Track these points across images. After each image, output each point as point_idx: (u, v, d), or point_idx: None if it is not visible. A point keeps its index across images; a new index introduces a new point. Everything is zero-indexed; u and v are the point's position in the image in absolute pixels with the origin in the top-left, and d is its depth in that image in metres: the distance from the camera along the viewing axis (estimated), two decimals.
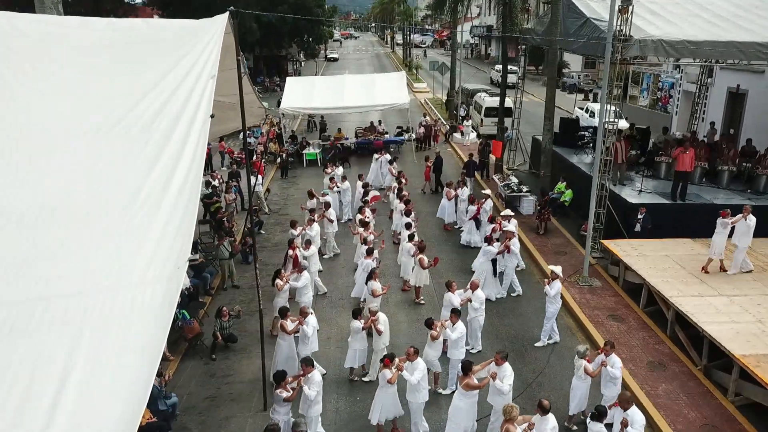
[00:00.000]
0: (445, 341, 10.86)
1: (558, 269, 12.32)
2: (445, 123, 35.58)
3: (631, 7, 14.44)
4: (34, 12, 13.36)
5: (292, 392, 9.07)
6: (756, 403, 10.02)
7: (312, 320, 11.20)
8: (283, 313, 11.09)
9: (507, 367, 9.36)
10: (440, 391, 11.00)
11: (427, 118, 31.67)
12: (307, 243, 14.34)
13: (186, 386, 11.42)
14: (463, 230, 18.05)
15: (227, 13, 8.53)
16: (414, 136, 29.16)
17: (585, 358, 9.65)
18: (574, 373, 9.87)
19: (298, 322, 10.94)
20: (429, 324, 10.51)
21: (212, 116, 7.18)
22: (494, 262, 14.11)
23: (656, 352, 11.87)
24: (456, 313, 10.68)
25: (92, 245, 5.86)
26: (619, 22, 14.61)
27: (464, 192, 18.65)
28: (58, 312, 5.29)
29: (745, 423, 9.78)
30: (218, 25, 8.40)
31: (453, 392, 9.94)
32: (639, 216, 15.54)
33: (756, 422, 9.82)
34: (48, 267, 5.67)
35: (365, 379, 11.39)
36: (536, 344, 12.47)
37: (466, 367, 9.16)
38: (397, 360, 9.41)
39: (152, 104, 7.27)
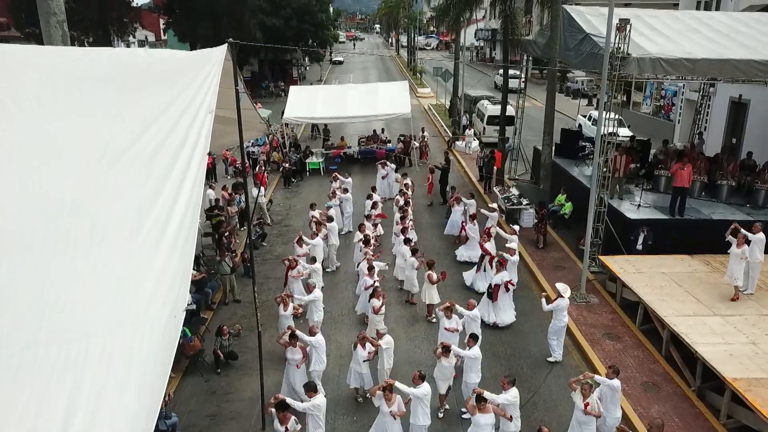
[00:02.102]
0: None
1: (563, 288, 12.43)
2: (447, 130, 35.72)
3: (628, 26, 14.54)
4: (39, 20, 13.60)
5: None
6: (747, 427, 10.12)
7: (320, 339, 11.38)
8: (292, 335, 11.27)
9: (513, 391, 9.49)
10: (440, 415, 11.13)
11: (425, 134, 30.11)
12: (312, 259, 14.56)
13: (187, 404, 11.63)
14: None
15: (225, 45, 8.71)
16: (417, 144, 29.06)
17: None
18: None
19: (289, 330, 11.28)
20: (446, 348, 10.67)
21: (210, 154, 7.35)
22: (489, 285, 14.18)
23: (651, 372, 11.99)
24: (473, 338, 10.87)
25: (91, 285, 6.03)
26: (617, 40, 14.73)
27: (472, 205, 18.78)
28: (60, 355, 5.46)
29: None
30: (216, 57, 8.57)
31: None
32: (641, 234, 15.63)
33: None
34: (48, 307, 5.82)
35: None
36: (548, 359, 12.66)
37: (479, 400, 9.18)
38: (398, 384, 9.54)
39: (152, 140, 7.42)
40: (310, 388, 9.47)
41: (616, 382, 9.53)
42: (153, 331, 5.70)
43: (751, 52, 15.37)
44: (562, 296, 12.33)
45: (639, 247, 15.70)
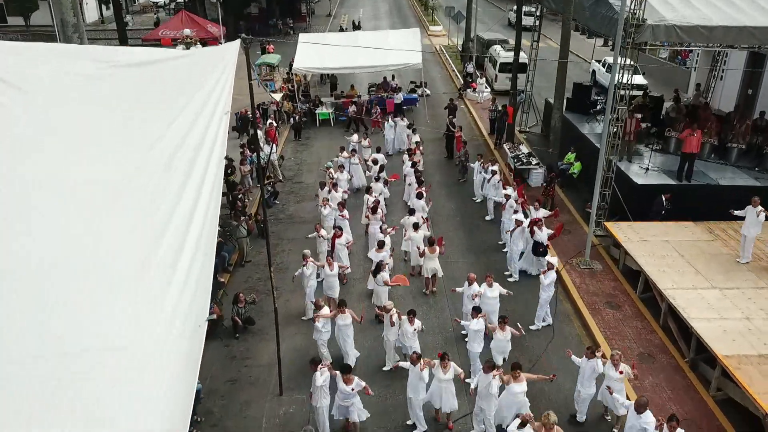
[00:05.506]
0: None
1: (554, 260, 13.22)
2: (459, 76, 35.20)
3: None
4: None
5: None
6: (734, 400, 10.74)
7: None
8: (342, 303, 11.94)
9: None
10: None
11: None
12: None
13: (208, 369, 12.31)
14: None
15: (238, 41, 8.83)
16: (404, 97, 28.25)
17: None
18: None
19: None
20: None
21: (226, 158, 7.67)
22: (537, 243, 14.68)
23: (647, 342, 12.55)
24: (476, 310, 11.45)
25: (112, 300, 6.41)
26: (632, 5, 14.44)
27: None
28: (87, 368, 5.97)
29: (723, 420, 10.54)
30: (230, 55, 8.70)
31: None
32: (663, 202, 15.77)
33: (733, 418, 10.56)
34: (69, 323, 6.21)
35: (385, 368, 12.14)
36: (530, 327, 13.24)
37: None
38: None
39: (168, 146, 7.72)
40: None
41: (598, 363, 10.14)
42: (180, 344, 6.20)
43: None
44: (555, 267, 13.18)
45: (663, 210, 15.81)
